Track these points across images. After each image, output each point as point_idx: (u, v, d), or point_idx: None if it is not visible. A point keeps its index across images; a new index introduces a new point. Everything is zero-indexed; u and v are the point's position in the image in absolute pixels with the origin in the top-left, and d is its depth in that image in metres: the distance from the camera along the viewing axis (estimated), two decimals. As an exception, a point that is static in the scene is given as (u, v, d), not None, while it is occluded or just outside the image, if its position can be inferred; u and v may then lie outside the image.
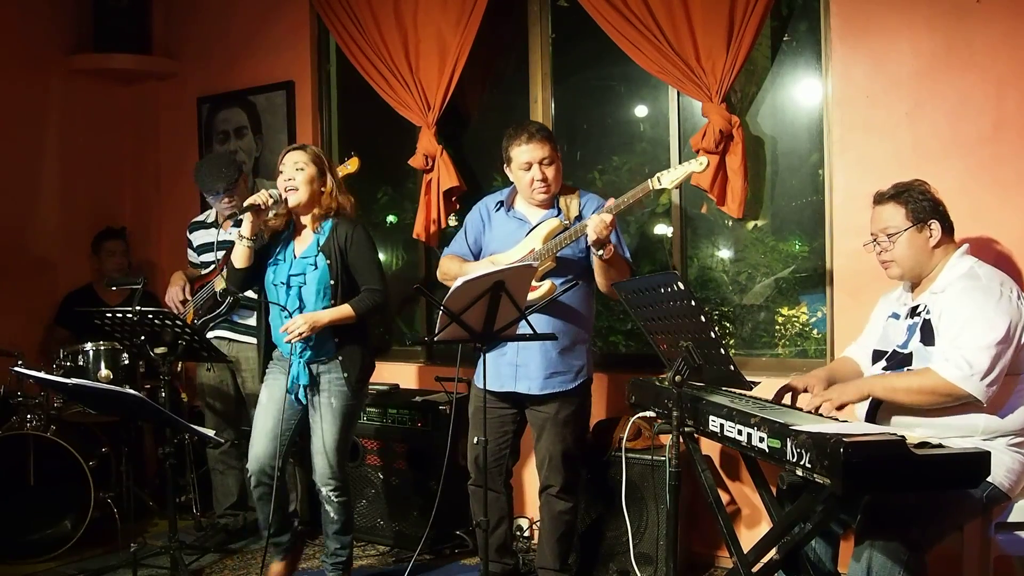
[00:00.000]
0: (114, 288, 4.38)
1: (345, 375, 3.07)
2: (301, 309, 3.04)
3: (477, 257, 3.22)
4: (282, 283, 3.07)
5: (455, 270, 3.14)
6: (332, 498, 3.16)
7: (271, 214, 3.09)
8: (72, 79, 4.83)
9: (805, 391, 2.64)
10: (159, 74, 5.05)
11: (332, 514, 3.18)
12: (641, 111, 3.99)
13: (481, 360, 2.87)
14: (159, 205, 5.15)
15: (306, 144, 3.16)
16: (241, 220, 3.05)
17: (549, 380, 3.03)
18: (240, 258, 3.06)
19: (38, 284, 4.66)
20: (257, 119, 4.74)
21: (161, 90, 5.11)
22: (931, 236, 2.52)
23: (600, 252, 2.86)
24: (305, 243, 3.10)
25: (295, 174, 3.04)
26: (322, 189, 3.08)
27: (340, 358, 3.07)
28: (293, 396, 3.11)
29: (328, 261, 3.04)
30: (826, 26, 3.32)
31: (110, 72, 4.93)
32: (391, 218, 4.67)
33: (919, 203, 2.52)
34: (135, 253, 4.94)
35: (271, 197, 3.03)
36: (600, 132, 4.08)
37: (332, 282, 3.04)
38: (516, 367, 3.05)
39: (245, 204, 3.01)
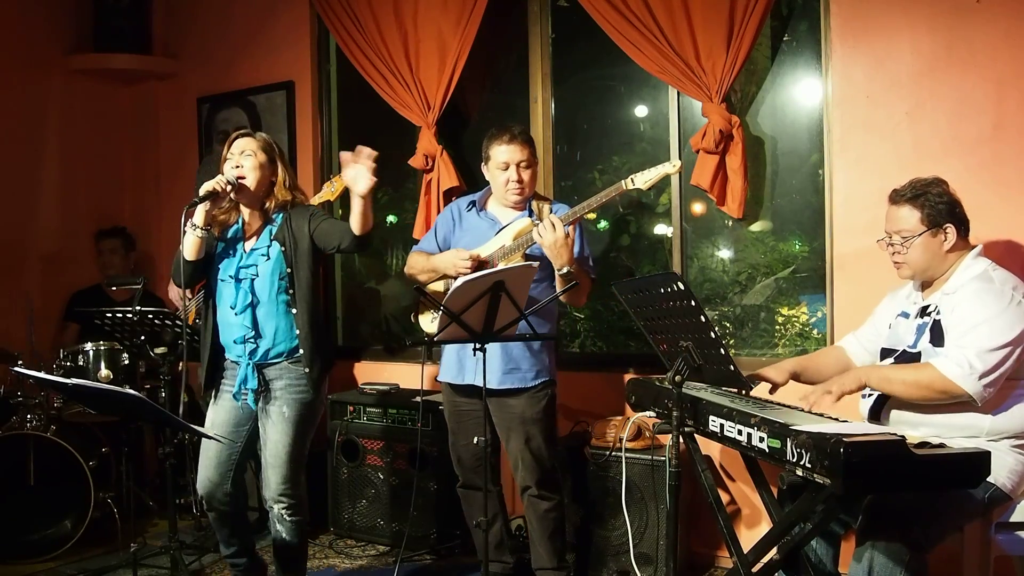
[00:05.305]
0: (114, 288, 4.40)
1: (307, 370, 2.86)
2: (253, 304, 2.85)
3: None
4: (231, 277, 2.88)
5: (421, 263, 3.20)
6: (285, 517, 2.89)
7: (225, 203, 2.90)
8: (72, 79, 4.83)
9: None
10: (159, 74, 5.05)
11: (284, 535, 2.90)
12: (641, 111, 3.99)
13: (450, 357, 2.91)
14: (159, 205, 5.14)
15: (255, 131, 3.00)
16: (196, 207, 2.82)
17: (507, 375, 3.04)
18: (190, 249, 2.84)
19: (38, 284, 4.66)
20: (257, 119, 4.73)
21: (161, 90, 5.11)
22: (946, 240, 2.48)
23: (562, 269, 2.87)
24: (256, 236, 2.92)
25: (243, 160, 2.84)
26: (273, 179, 2.90)
27: (301, 351, 2.86)
28: (240, 402, 2.91)
29: (283, 248, 2.86)
30: (826, 26, 3.32)
31: (110, 72, 4.93)
32: (391, 218, 4.66)
33: (935, 207, 2.46)
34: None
35: (228, 183, 2.81)
36: (600, 132, 4.08)
37: (289, 270, 2.87)
38: (477, 361, 2.98)
39: (202, 191, 2.77)
